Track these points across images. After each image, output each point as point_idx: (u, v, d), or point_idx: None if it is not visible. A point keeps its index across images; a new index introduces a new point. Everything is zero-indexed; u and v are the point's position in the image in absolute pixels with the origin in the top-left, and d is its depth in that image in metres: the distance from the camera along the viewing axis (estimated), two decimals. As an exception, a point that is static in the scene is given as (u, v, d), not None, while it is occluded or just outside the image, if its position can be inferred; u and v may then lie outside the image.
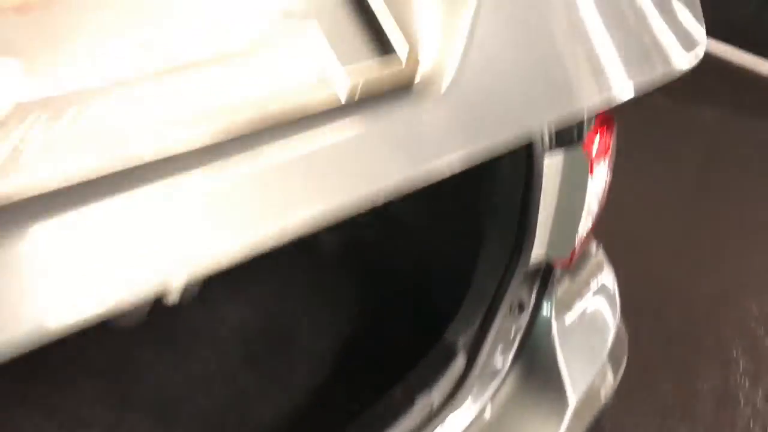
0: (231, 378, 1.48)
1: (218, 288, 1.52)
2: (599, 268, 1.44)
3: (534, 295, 1.25)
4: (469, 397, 1.16)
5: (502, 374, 1.22)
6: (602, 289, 1.42)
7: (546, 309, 1.26)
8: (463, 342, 1.19)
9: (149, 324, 1.44)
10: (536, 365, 1.24)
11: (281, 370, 1.49)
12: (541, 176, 1.12)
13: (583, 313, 1.34)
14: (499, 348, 1.21)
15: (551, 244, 1.21)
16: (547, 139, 1.12)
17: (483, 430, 1.17)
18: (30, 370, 1.36)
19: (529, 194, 1.14)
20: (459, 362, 1.17)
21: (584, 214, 1.21)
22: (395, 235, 1.62)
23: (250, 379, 1.47)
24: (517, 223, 1.18)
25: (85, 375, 1.43)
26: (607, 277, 1.44)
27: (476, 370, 1.17)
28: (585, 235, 1.26)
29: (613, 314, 1.39)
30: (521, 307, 1.24)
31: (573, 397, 1.23)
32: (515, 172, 1.16)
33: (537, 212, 1.15)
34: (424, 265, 1.56)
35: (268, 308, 1.63)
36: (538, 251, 1.19)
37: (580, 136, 1.17)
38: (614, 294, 1.42)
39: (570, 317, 1.30)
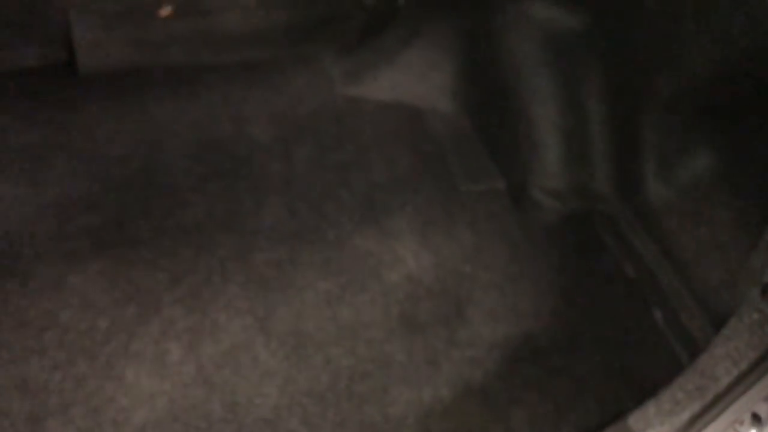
0: (379, 342, 1.35)
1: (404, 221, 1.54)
2: None
3: None
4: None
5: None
6: None
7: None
8: None
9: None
10: None
11: (437, 346, 1.35)
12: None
13: None
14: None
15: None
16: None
17: None
18: None
19: None
20: None
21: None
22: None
23: (399, 345, 1.35)
24: None
25: None
26: None
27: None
28: None
29: None
30: (757, 419, 0.94)
31: None
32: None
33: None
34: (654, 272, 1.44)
35: (452, 266, 1.51)
36: None
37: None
38: None
39: None
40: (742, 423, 0.98)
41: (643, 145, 1.48)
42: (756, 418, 0.97)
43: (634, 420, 1.00)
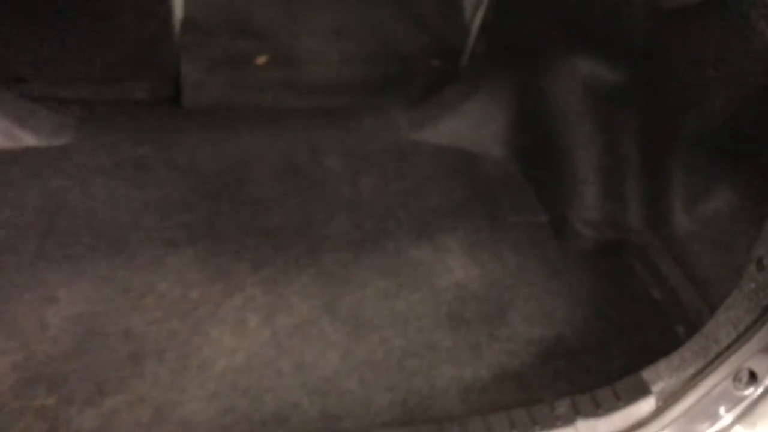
0: (428, 330, 1.54)
1: (455, 240, 1.77)
2: None
3: None
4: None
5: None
6: None
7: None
8: (660, 387, 1.16)
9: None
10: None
11: (479, 339, 1.54)
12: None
13: None
14: (708, 411, 1.12)
15: None
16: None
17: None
18: None
19: None
20: (648, 403, 1.15)
21: None
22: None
23: (446, 335, 1.53)
24: None
25: None
26: None
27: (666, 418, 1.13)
28: None
29: None
30: (753, 377, 1.11)
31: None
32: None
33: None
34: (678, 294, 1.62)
35: (496, 279, 1.70)
36: None
37: None
38: None
39: None
40: (741, 381, 1.13)
41: (671, 183, 1.68)
42: (752, 376, 1.13)
43: (647, 373, 1.17)
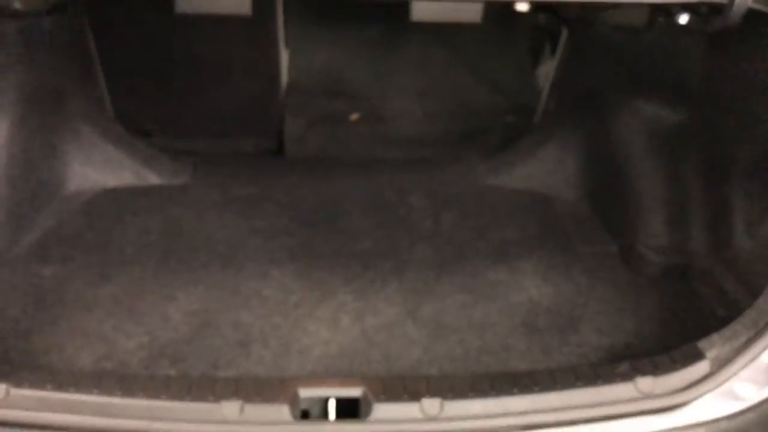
0: (503, 335, 1.69)
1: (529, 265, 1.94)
2: None
3: None
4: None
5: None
6: None
7: None
8: (714, 354, 1.28)
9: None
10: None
11: (551, 344, 1.67)
12: None
13: None
14: (758, 375, 1.24)
15: None
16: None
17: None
18: None
19: None
20: (702, 367, 1.27)
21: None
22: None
23: (520, 339, 1.66)
24: None
25: None
26: None
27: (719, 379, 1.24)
28: None
29: None
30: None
31: None
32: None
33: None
34: None
35: (569, 297, 1.84)
36: None
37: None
38: None
39: None
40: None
41: (731, 208, 1.80)
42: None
43: (702, 343, 1.28)
